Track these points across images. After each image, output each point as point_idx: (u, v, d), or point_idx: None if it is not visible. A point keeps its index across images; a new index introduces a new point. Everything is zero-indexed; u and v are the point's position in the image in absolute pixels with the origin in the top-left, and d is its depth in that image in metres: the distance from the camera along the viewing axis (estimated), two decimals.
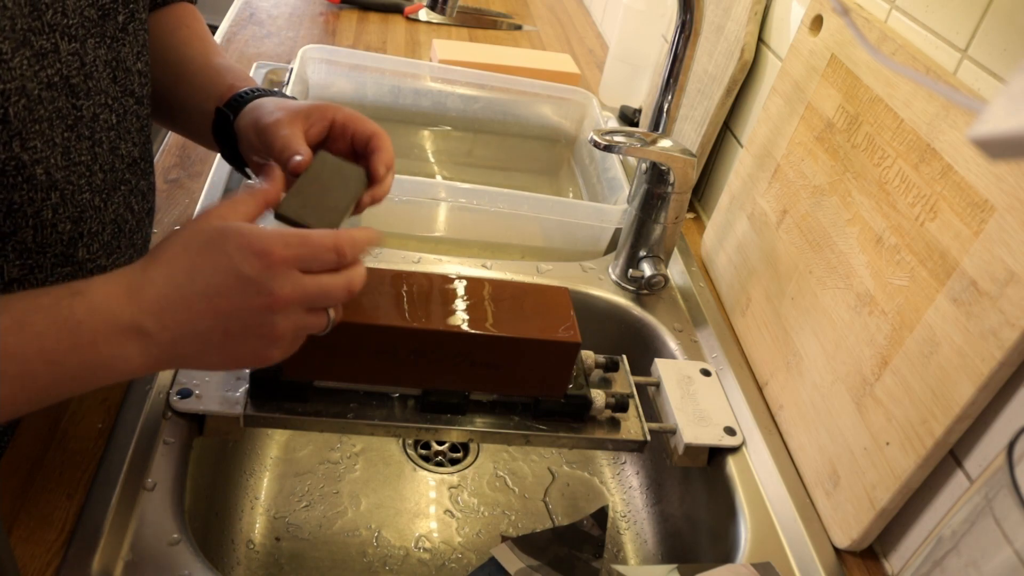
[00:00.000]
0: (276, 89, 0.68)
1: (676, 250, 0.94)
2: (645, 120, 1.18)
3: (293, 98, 0.66)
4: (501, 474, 0.85)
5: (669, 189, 0.80)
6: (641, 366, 0.76)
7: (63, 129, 0.56)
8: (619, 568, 0.67)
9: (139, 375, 0.48)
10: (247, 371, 0.63)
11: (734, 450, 0.69)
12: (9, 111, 0.50)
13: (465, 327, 0.60)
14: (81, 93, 0.57)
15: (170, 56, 0.70)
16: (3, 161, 0.51)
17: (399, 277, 0.63)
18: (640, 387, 0.71)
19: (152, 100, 0.68)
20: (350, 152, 0.61)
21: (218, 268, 0.46)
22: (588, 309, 0.85)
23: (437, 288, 0.63)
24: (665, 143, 0.78)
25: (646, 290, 0.86)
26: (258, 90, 0.66)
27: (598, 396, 0.66)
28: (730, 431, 0.70)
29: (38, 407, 0.46)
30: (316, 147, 0.60)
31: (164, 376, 0.65)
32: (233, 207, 0.50)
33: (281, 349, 0.49)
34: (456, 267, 0.85)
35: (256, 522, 0.76)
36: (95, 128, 0.59)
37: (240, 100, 0.65)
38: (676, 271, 0.92)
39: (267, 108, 0.61)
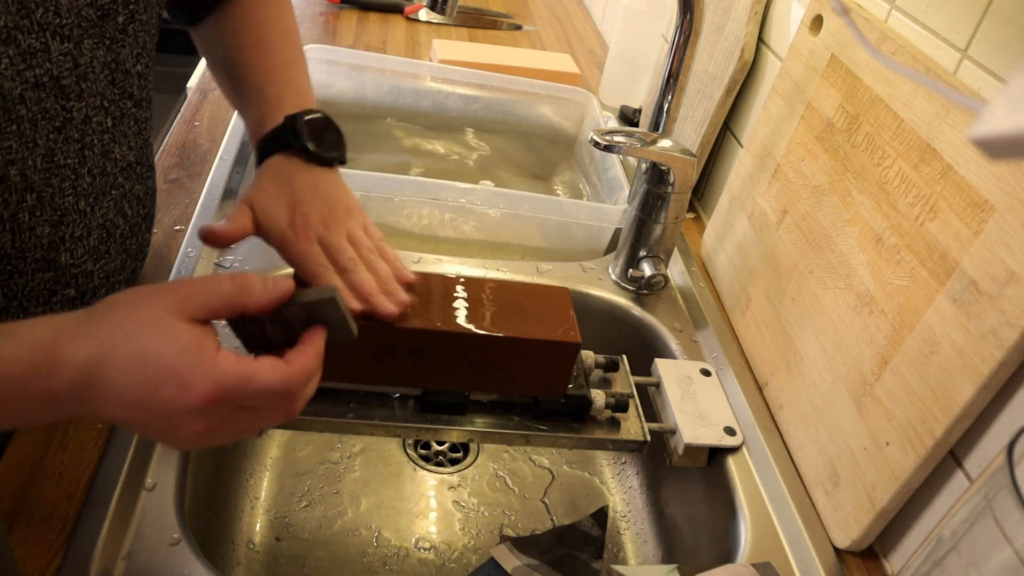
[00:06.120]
0: (318, 118, 0.64)
1: (676, 250, 0.94)
2: (645, 120, 1.18)
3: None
4: (501, 474, 0.85)
5: (669, 189, 0.80)
6: (641, 366, 0.76)
7: (49, 131, 0.54)
8: (619, 568, 0.67)
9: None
10: None
11: (734, 450, 0.69)
12: None
13: (465, 327, 0.60)
14: (73, 95, 0.55)
15: (230, 60, 0.71)
16: None
17: None
18: (640, 387, 0.71)
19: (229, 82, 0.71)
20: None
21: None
22: (588, 309, 0.85)
23: (437, 288, 0.63)
24: (665, 143, 0.78)
25: (646, 290, 0.86)
26: (293, 133, 0.63)
27: (598, 396, 0.66)
28: (730, 431, 0.70)
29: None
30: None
31: None
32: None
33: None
34: (456, 267, 0.85)
35: (256, 522, 0.76)
36: (86, 131, 0.58)
37: (270, 143, 0.64)
38: (676, 271, 0.92)
39: (272, 185, 0.62)
